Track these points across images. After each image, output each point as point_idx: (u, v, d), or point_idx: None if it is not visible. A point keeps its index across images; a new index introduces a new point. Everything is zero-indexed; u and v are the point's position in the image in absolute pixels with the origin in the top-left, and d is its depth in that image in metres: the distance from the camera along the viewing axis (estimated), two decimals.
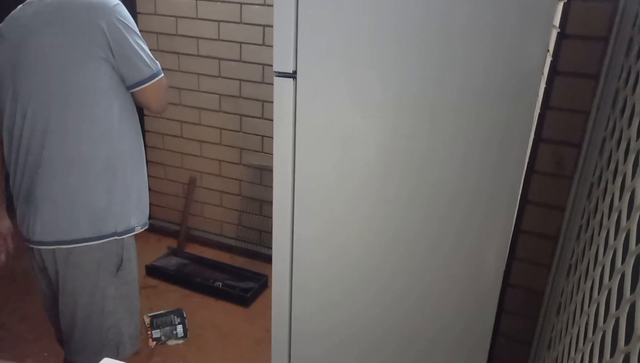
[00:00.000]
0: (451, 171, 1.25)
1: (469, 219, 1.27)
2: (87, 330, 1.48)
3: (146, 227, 1.54)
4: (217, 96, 2.67)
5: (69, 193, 1.37)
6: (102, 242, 1.41)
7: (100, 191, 1.40)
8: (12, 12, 1.38)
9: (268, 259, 2.72)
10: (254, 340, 2.16)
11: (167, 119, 2.84)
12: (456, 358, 1.40)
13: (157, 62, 1.44)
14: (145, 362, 1.99)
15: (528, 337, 1.43)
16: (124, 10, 1.36)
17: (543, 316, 1.35)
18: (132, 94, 1.42)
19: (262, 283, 2.49)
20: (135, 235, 1.51)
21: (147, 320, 2.20)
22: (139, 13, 2.69)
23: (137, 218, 1.49)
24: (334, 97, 1.32)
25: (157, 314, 2.23)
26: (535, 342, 1.39)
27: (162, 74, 1.44)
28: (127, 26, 1.34)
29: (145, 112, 2.78)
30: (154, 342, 2.09)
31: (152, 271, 2.57)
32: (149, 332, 2.13)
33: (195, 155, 2.85)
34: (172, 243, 2.89)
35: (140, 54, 1.37)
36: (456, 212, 1.28)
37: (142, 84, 1.39)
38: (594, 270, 0.84)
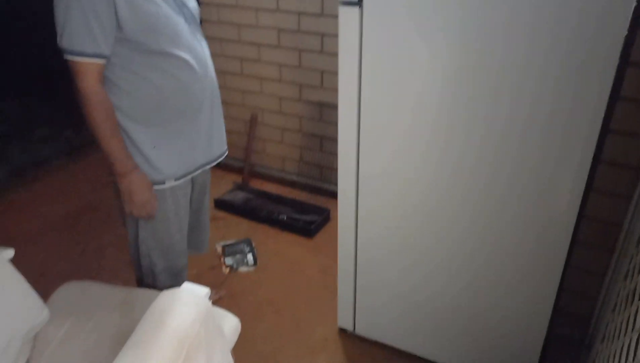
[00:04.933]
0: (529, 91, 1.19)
1: (547, 148, 1.23)
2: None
3: None
4: (276, 30, 2.64)
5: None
6: None
7: None
8: None
9: (329, 194, 2.78)
10: (319, 268, 2.26)
11: (227, 56, 2.87)
12: (527, 288, 1.40)
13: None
14: (220, 287, 2.15)
15: (601, 269, 1.41)
16: None
17: (620, 248, 1.32)
18: None
19: (325, 216, 2.57)
20: None
21: (219, 249, 2.35)
22: None
23: None
24: (401, 27, 1.28)
25: (229, 243, 2.38)
26: (610, 274, 1.37)
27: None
28: None
29: None
30: (227, 269, 2.25)
31: (220, 204, 2.71)
32: (222, 259, 2.29)
33: (255, 92, 2.88)
34: (237, 178, 3.01)
35: None
36: (533, 140, 1.24)
37: None
38: None
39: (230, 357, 1.16)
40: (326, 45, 2.56)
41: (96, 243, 2.44)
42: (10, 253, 1.31)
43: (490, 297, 1.48)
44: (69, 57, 1.26)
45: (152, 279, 1.65)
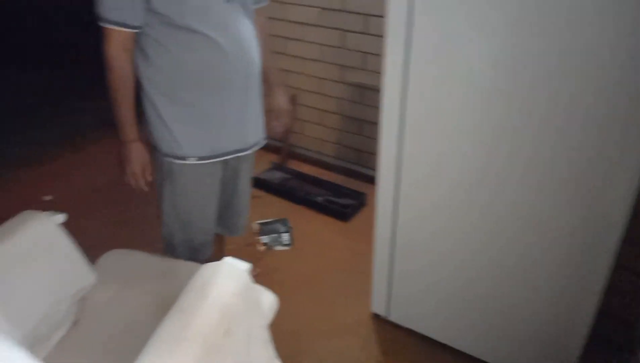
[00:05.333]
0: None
1: (604, 141, 1.18)
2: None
3: None
4: (318, 9, 2.61)
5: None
6: None
7: None
8: None
9: (366, 178, 2.76)
10: (353, 252, 2.26)
11: (272, 35, 2.86)
12: (571, 284, 1.37)
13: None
14: (255, 264, 2.19)
15: None
16: None
17: None
18: None
19: (361, 200, 2.56)
20: None
21: (256, 227, 2.39)
22: None
23: None
24: (454, 10, 1.24)
25: (266, 222, 2.41)
26: None
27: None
28: None
29: None
30: (263, 247, 2.29)
31: (258, 183, 2.74)
32: (258, 237, 2.32)
33: (296, 72, 2.87)
34: (275, 158, 3.03)
35: None
36: (592, 132, 1.19)
37: None
38: None
39: (267, 333, 1.18)
40: (370, 25, 2.52)
41: (138, 215, 2.51)
42: (60, 217, 1.36)
43: (531, 290, 1.44)
44: (99, 21, 1.32)
45: (171, 249, 1.66)
